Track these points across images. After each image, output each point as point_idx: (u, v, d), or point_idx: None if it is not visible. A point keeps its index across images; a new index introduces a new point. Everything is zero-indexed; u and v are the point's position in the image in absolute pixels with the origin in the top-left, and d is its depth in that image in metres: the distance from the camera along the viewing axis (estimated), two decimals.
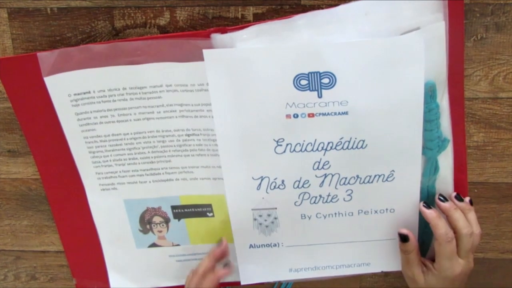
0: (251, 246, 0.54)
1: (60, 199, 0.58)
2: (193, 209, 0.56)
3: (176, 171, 0.53)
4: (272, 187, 0.51)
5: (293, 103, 0.47)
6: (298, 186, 0.51)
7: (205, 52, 0.46)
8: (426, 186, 0.53)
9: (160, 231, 0.57)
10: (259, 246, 0.54)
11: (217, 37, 0.46)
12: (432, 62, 0.47)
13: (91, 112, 0.51)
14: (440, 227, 0.49)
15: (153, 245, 0.58)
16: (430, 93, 0.48)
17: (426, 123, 0.49)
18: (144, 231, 0.58)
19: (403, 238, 0.51)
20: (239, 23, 0.49)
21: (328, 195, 0.51)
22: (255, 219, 0.52)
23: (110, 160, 0.53)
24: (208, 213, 0.55)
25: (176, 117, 0.50)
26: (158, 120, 0.50)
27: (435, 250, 0.50)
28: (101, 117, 0.51)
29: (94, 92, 0.50)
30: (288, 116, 0.47)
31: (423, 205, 0.50)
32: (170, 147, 0.52)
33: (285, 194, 0.51)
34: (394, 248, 0.54)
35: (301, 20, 0.46)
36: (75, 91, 0.50)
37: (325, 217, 0.52)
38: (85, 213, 0.57)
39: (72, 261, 0.61)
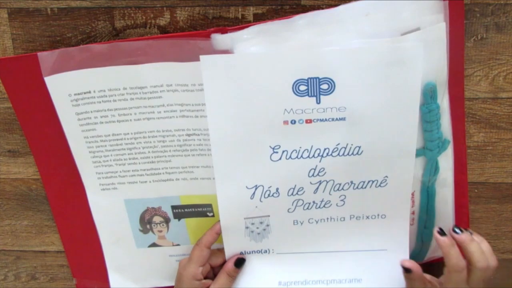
0: (242, 253, 0.53)
1: (60, 199, 0.58)
2: (193, 209, 0.56)
3: (177, 171, 0.53)
4: (266, 195, 0.50)
5: (291, 109, 0.46)
6: (292, 194, 0.50)
7: (202, 57, 0.45)
8: (426, 187, 0.53)
9: (160, 231, 0.57)
10: (250, 252, 0.53)
11: (217, 37, 0.46)
12: (432, 63, 0.47)
13: (91, 112, 0.51)
14: (452, 256, 0.47)
15: (153, 245, 0.58)
16: (430, 94, 0.48)
17: (426, 124, 0.49)
18: (144, 231, 0.58)
19: (406, 271, 0.50)
20: (239, 23, 0.49)
21: (322, 201, 0.50)
22: (247, 227, 0.52)
23: (111, 160, 0.53)
24: (208, 213, 0.55)
25: (177, 117, 0.50)
26: (159, 120, 0.50)
27: (445, 275, 0.48)
28: (101, 117, 0.51)
29: (94, 92, 0.50)
30: (285, 122, 0.47)
31: (438, 231, 0.48)
32: (170, 147, 0.52)
33: (279, 201, 0.50)
34: (387, 262, 0.52)
35: (301, 20, 0.46)
36: (76, 91, 0.50)
37: (317, 222, 0.52)
38: (85, 213, 0.57)
39: (72, 261, 0.61)
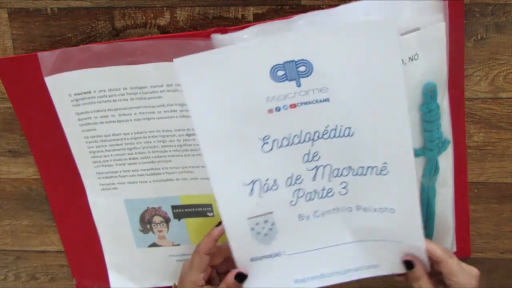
0: (252, 259, 0.51)
1: (60, 199, 0.58)
2: (193, 209, 0.56)
3: (177, 171, 0.53)
4: (265, 189, 0.49)
5: (273, 96, 0.45)
6: (291, 183, 0.49)
7: (175, 61, 0.44)
8: (426, 186, 0.53)
9: (160, 231, 0.57)
10: (261, 258, 0.51)
11: (217, 37, 0.46)
12: (432, 63, 0.47)
13: (91, 112, 0.51)
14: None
15: (153, 244, 0.58)
16: (430, 94, 0.48)
17: (426, 124, 0.49)
18: (144, 231, 0.58)
19: (408, 266, 0.49)
20: (240, 23, 0.49)
21: (323, 189, 0.49)
22: (252, 229, 0.50)
23: (111, 160, 0.53)
24: (208, 213, 0.55)
25: (177, 117, 0.50)
26: (159, 120, 0.50)
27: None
28: (101, 117, 0.51)
29: (94, 92, 0.50)
30: (270, 111, 0.46)
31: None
32: (170, 147, 0.52)
33: (279, 194, 0.49)
34: (402, 250, 0.50)
35: (301, 20, 0.46)
36: (76, 91, 0.50)
37: (323, 214, 0.50)
38: (85, 213, 0.57)
39: (72, 261, 0.61)
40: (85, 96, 0.50)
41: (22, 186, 0.59)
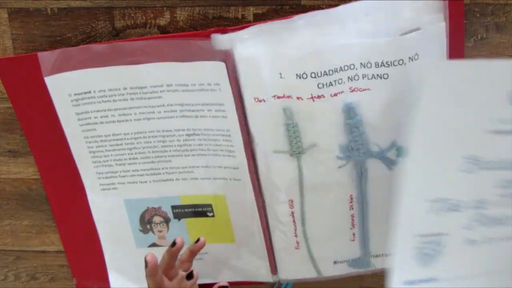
0: (407, 282, 0.46)
1: (60, 199, 0.58)
2: (193, 209, 0.56)
3: (177, 171, 0.53)
4: (446, 209, 0.44)
5: (504, 119, 0.41)
6: (474, 207, 0.44)
7: (427, 65, 0.40)
8: None
9: (160, 231, 0.57)
10: (415, 282, 0.46)
11: (217, 37, 0.46)
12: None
13: (91, 112, 0.51)
14: None
15: (153, 245, 0.58)
16: None
17: None
18: (144, 231, 0.58)
19: None
20: (239, 24, 0.49)
21: (506, 217, 0.44)
22: (417, 247, 0.45)
23: (111, 160, 0.53)
24: (208, 213, 0.55)
25: (177, 117, 0.50)
26: (159, 120, 0.50)
27: None
28: (101, 117, 0.51)
29: (94, 92, 0.50)
30: (490, 131, 0.41)
31: None
32: (170, 147, 0.52)
33: (458, 216, 0.44)
34: None
35: (301, 20, 0.46)
36: (76, 91, 0.50)
37: (495, 241, 0.45)
38: (85, 213, 0.57)
39: (72, 261, 0.61)
40: (85, 96, 0.50)
41: (22, 186, 0.59)
